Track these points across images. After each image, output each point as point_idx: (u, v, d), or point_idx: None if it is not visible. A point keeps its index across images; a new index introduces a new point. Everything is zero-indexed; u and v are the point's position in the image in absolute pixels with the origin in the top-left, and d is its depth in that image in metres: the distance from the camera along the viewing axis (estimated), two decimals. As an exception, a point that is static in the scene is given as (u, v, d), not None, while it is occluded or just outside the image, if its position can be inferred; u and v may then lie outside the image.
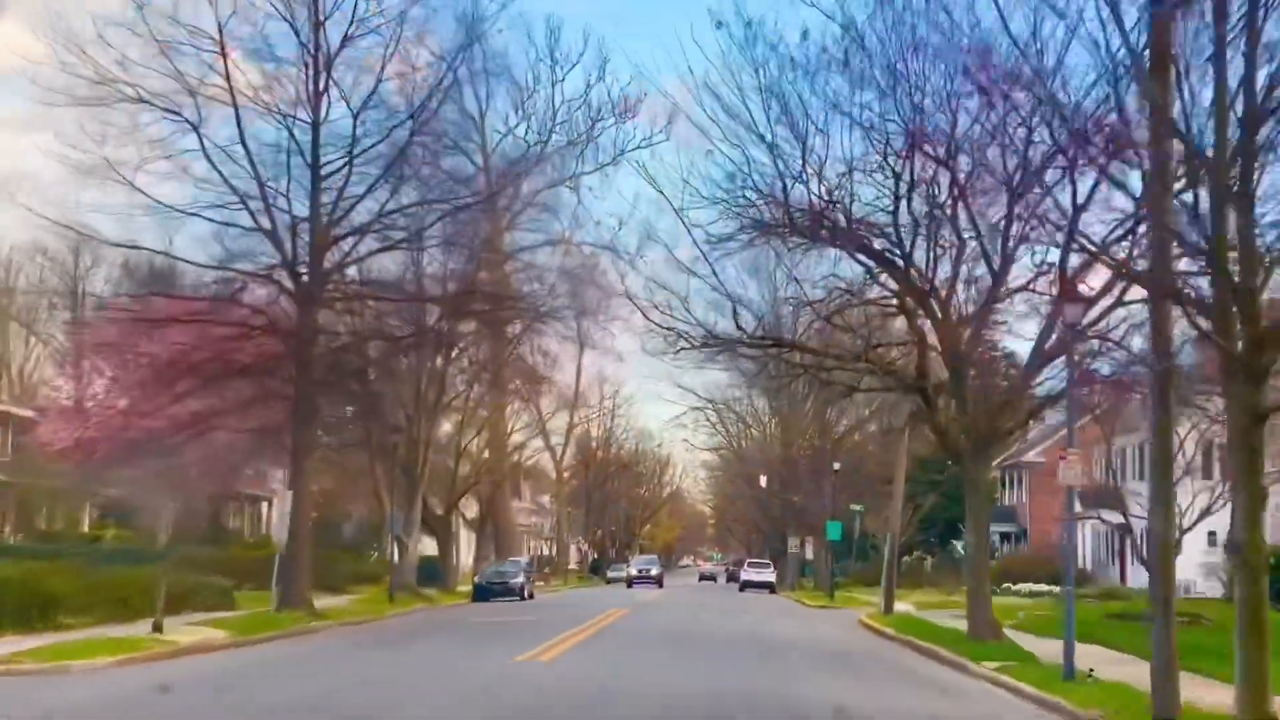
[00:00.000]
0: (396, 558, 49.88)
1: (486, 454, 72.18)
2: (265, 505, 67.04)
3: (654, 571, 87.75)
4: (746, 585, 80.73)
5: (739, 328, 27.58)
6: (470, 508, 79.85)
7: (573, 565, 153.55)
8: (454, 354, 50.54)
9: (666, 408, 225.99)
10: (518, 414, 79.99)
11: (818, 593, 70.89)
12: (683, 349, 26.60)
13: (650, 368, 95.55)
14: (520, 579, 57.96)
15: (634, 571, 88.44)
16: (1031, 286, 26.95)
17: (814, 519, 79.88)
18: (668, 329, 27.82)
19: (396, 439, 46.87)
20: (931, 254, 26.96)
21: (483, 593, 56.20)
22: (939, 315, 27.32)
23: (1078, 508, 41.12)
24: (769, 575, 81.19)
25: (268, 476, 55.80)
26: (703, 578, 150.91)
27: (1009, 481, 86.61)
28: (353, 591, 50.45)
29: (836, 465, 63.84)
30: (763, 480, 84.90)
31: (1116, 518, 41.02)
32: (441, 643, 30.97)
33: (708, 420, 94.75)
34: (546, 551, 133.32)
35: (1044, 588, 64.81)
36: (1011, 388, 27.29)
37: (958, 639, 28.47)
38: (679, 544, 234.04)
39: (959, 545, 77.45)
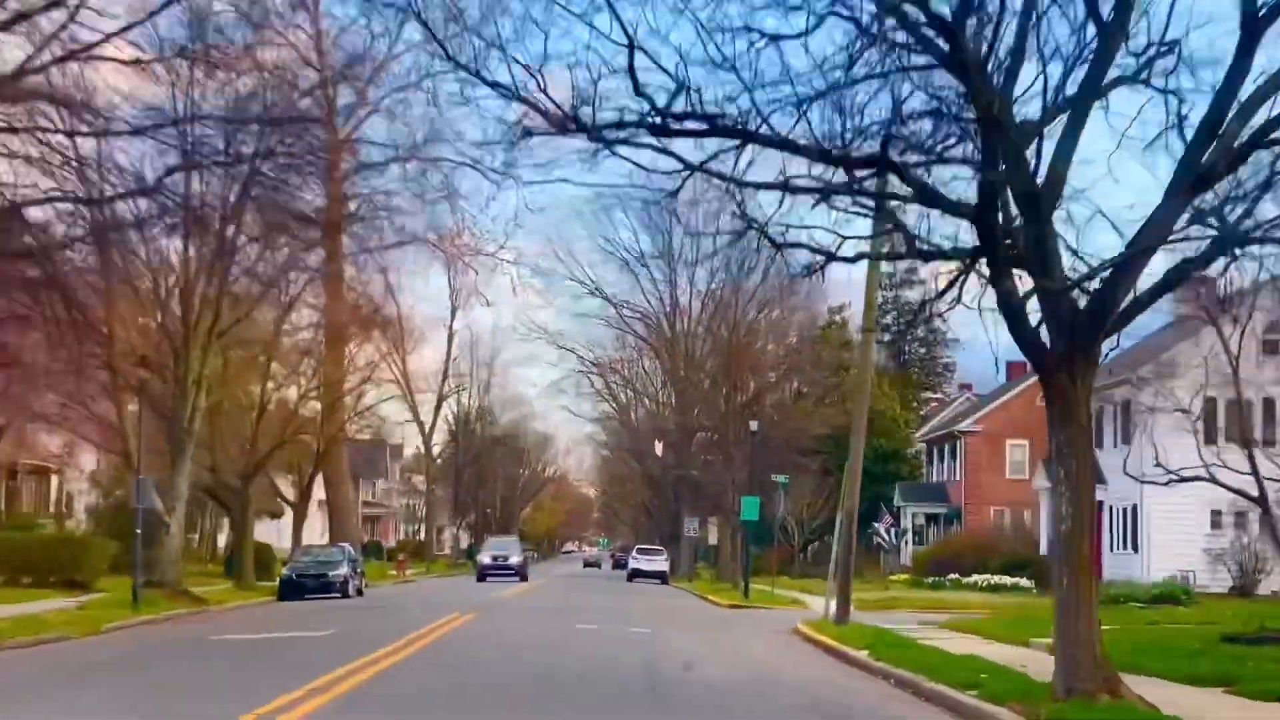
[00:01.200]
0: (171, 541, 36.08)
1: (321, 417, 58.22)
2: None
3: (512, 560, 65.48)
4: (636, 574, 68.23)
5: (654, 108, 14.60)
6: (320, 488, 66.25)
7: (447, 550, 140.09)
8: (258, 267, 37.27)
9: (547, 372, 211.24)
10: (377, 370, 65.80)
11: (722, 586, 58.14)
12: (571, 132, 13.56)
13: (528, 323, 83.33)
14: (342, 571, 44.51)
15: (486, 560, 67.22)
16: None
17: (716, 497, 67.28)
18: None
19: (144, 373, 32.91)
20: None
21: (291, 589, 42.67)
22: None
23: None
24: (661, 563, 68.48)
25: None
26: (587, 564, 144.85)
27: (935, 455, 74.70)
28: (105, 589, 36.80)
29: (754, 425, 51.03)
30: (658, 448, 71.91)
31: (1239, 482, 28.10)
32: (124, 691, 17.60)
33: (592, 387, 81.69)
34: (416, 536, 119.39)
35: (1002, 579, 52.76)
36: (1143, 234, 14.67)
37: (1034, 692, 15.69)
38: (564, 529, 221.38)
39: (879, 529, 65.34)
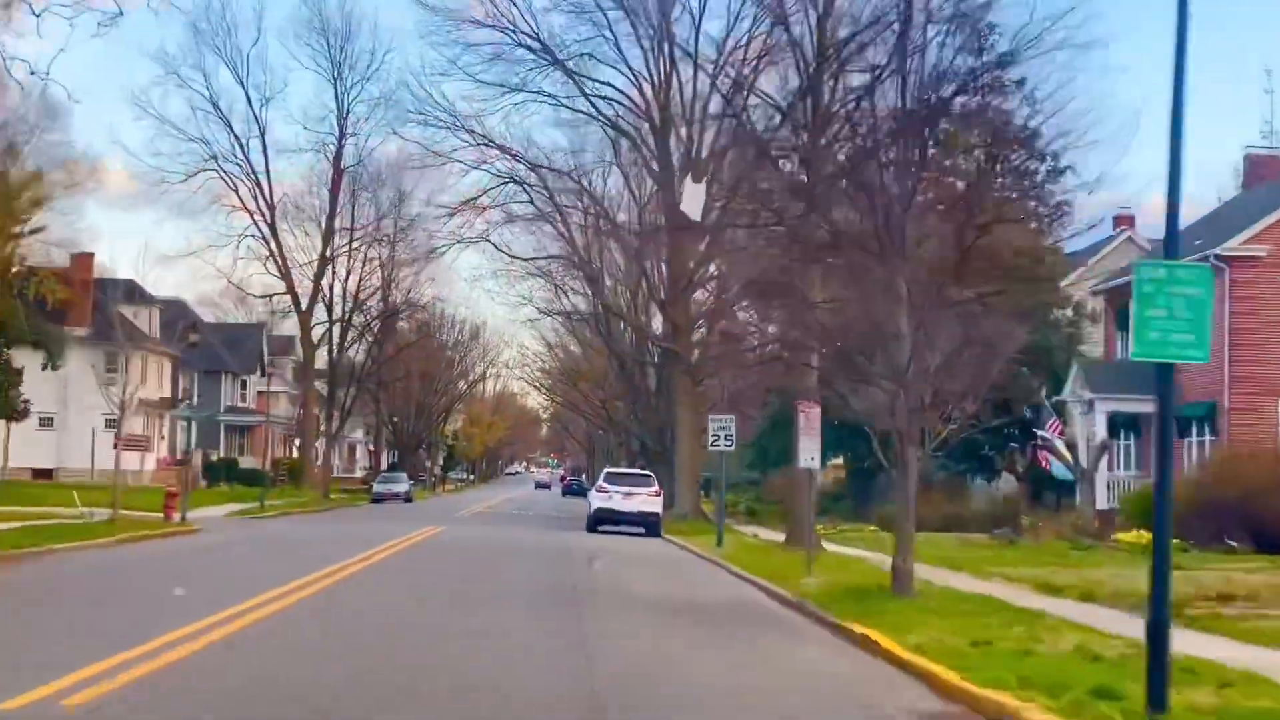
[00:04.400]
0: None
1: None
2: None
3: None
4: (605, 520, 39.42)
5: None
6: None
7: (359, 474, 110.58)
8: None
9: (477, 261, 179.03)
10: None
11: (790, 551, 29.74)
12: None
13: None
14: None
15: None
16: None
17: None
18: None
19: None
20: None
21: None
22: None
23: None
24: (649, 500, 39.73)
25: None
26: (538, 485, 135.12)
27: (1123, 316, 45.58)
28: None
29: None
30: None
31: None
32: None
33: (533, 208, 51.94)
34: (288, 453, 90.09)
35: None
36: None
37: None
38: (506, 449, 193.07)
39: (1048, 438, 37.00)
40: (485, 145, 46.20)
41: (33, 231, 49.57)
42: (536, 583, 21.85)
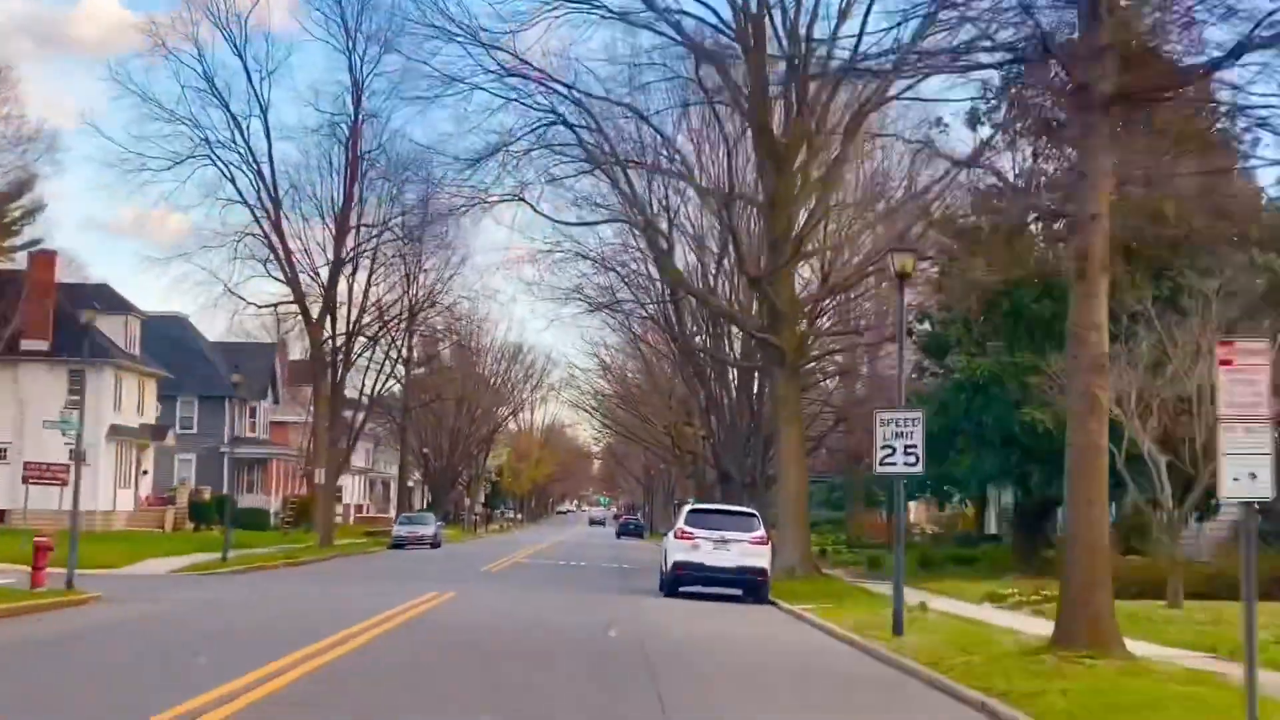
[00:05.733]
0: None
1: None
2: None
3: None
4: (690, 579, 27.20)
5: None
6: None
7: (390, 511, 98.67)
8: None
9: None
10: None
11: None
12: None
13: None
14: None
15: None
16: None
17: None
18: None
19: None
20: None
21: None
22: None
23: None
24: (754, 552, 27.27)
25: None
26: (593, 522, 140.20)
27: None
28: None
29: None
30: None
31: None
32: None
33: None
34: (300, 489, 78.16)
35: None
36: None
37: None
38: (554, 485, 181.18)
39: None
40: (518, 75, 33.90)
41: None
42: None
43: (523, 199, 36.12)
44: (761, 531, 27.70)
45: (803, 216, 34.44)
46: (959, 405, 32.84)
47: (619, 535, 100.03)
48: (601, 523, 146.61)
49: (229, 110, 59.93)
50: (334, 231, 62.43)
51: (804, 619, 23.40)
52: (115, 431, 57.02)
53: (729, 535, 27.30)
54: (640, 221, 36.79)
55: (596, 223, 40.70)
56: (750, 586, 27.25)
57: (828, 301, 38.92)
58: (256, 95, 60.24)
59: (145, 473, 62.92)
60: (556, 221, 39.26)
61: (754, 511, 29.40)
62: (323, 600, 24.71)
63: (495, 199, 36.16)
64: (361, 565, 41.94)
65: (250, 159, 60.33)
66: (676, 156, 37.02)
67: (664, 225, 39.88)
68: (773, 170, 33.86)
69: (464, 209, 37.73)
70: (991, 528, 48.81)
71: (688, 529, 27.42)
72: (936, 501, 62.43)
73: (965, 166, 31.00)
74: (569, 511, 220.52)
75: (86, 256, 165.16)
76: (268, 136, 60.66)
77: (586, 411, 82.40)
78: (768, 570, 27.53)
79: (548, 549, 62.84)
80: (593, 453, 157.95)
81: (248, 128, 60.41)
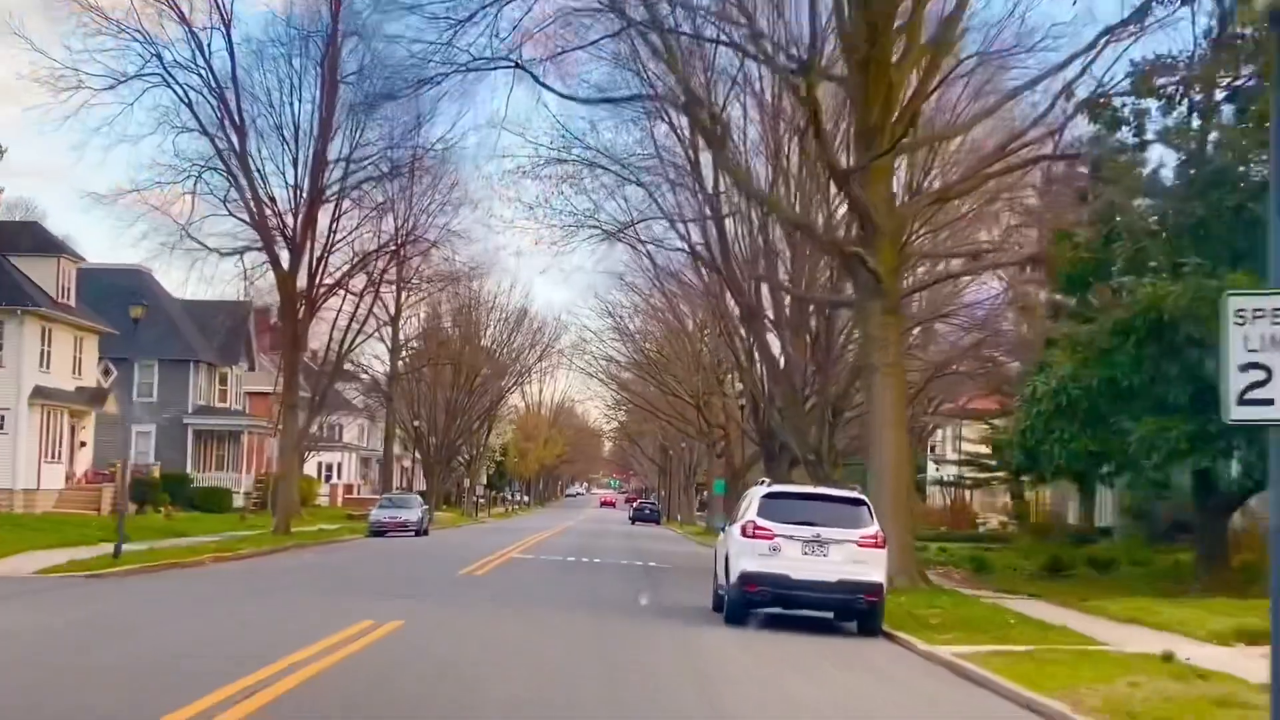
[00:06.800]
0: None
1: None
2: None
3: None
4: (766, 603, 17.62)
5: None
6: None
7: (371, 493, 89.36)
8: None
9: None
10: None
11: None
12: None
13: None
14: None
15: None
16: None
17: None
18: None
19: None
20: None
21: None
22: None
23: None
24: (865, 559, 17.91)
25: None
26: (603, 504, 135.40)
27: None
28: None
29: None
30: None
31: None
32: None
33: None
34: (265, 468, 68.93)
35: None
36: None
37: None
38: (564, 466, 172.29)
39: None
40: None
41: None
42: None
43: (521, 65, 26.45)
44: (874, 527, 18.15)
45: (906, 95, 24.97)
46: (1126, 353, 23.37)
47: (632, 521, 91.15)
48: (612, 505, 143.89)
49: (186, 23, 50.55)
50: (309, 165, 53.06)
51: (966, 674, 13.95)
52: (41, 394, 47.69)
53: (825, 533, 17.84)
54: (681, 90, 27.13)
55: (621, 99, 30.75)
56: (861, 612, 17.92)
57: (932, 210, 29.37)
58: (219, 6, 50.86)
59: (83, 444, 53.53)
60: (566, 97, 29.52)
61: (861, 495, 19.74)
62: (158, 640, 15.40)
63: (486, 62, 26.38)
64: (311, 563, 32.57)
65: (212, 80, 50.95)
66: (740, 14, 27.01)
67: (714, 109, 30.10)
68: (864, 29, 24.39)
69: (440, 77, 27.77)
70: (1106, 519, 39.39)
71: (763, 523, 17.91)
72: (1011, 488, 52.80)
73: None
74: (579, 494, 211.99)
75: (48, 207, 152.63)
76: (231, 55, 51.21)
77: (599, 380, 72.83)
78: (883, 587, 18.13)
79: (552, 538, 53.48)
80: (604, 431, 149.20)
81: (208, 45, 51.00)
